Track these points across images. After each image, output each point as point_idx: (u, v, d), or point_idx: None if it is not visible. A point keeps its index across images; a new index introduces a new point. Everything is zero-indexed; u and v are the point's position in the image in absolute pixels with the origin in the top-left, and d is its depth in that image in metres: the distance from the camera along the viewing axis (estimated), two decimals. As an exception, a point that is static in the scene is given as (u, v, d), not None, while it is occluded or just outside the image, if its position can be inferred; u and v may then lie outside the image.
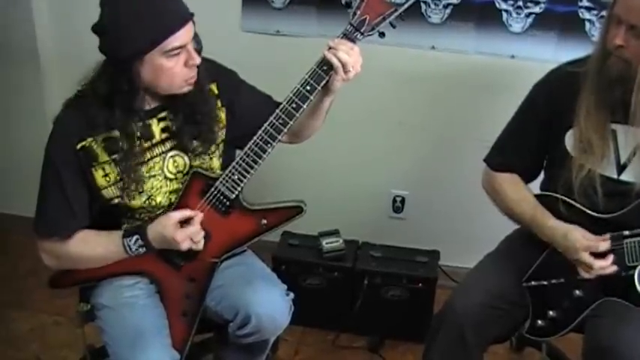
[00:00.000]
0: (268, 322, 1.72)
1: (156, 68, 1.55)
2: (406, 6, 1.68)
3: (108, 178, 1.66)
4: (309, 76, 1.65)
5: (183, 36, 1.54)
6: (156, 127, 1.70)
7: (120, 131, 1.62)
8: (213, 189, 1.71)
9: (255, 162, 1.68)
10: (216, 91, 1.77)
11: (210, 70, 1.71)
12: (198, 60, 1.59)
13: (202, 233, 1.68)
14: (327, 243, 2.55)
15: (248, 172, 1.69)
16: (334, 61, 1.62)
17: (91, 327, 1.83)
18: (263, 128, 1.67)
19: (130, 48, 1.52)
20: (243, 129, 1.76)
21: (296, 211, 1.75)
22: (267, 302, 1.71)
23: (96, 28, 1.54)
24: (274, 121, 1.67)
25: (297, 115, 1.67)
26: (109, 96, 1.58)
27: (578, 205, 1.77)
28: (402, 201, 2.85)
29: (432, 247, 2.69)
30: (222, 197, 1.71)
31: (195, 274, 1.77)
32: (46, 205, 1.67)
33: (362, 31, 1.66)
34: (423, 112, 2.70)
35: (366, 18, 1.66)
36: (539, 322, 1.85)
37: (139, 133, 1.66)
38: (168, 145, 1.72)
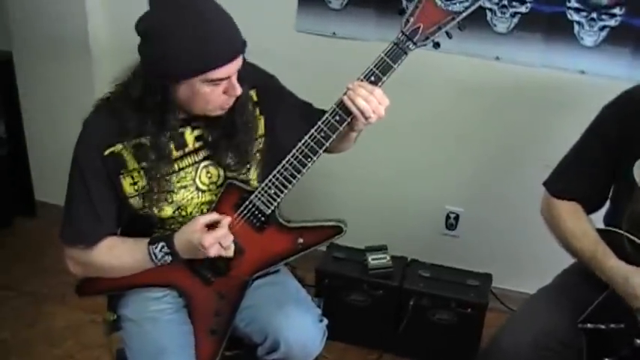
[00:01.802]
0: (298, 350, 1.61)
1: (193, 92, 1.47)
2: (464, 15, 1.54)
3: (136, 187, 1.58)
4: (331, 114, 1.55)
5: (229, 69, 1.45)
6: (189, 136, 1.61)
7: (151, 138, 1.54)
8: (247, 202, 1.61)
9: (294, 176, 1.58)
10: (255, 98, 1.68)
11: (250, 75, 1.61)
12: (239, 91, 1.50)
13: (231, 237, 1.58)
14: (373, 259, 2.43)
15: (285, 187, 1.58)
16: (353, 109, 1.51)
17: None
18: (304, 140, 1.56)
19: (171, 68, 1.43)
20: (282, 139, 1.66)
21: (335, 231, 1.63)
22: (298, 329, 1.60)
23: (139, 29, 1.46)
24: (315, 133, 1.56)
25: (334, 136, 1.56)
26: (141, 101, 1.50)
27: None
28: (456, 218, 2.70)
29: (484, 267, 2.54)
30: (257, 212, 1.61)
31: (225, 290, 1.67)
32: (71, 211, 1.60)
33: (415, 40, 1.53)
34: (482, 125, 2.54)
35: (419, 26, 1.53)
36: (597, 368, 1.69)
37: (171, 142, 1.57)
38: (201, 154, 1.63)
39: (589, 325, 1.69)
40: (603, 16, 2.22)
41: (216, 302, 1.68)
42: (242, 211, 1.62)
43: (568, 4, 2.23)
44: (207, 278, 1.66)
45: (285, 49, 2.52)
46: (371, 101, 1.51)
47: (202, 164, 1.63)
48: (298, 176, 1.58)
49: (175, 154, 1.59)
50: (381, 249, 2.48)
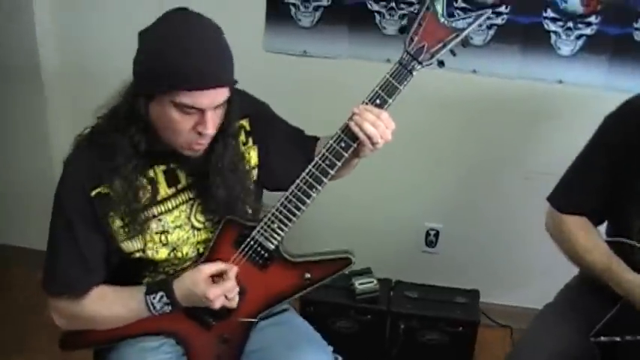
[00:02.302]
0: None
1: (163, 113, 1.34)
2: (468, 30, 1.48)
3: (126, 229, 1.45)
4: (335, 141, 1.46)
5: (203, 97, 1.30)
6: (180, 171, 1.50)
7: (139, 175, 1.42)
8: (249, 239, 1.50)
9: (298, 208, 1.48)
10: (248, 128, 1.57)
11: (241, 104, 1.49)
12: (209, 131, 1.35)
13: (237, 289, 1.48)
14: (360, 284, 2.34)
15: (290, 220, 1.48)
16: (360, 135, 1.42)
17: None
18: (308, 170, 1.46)
19: (147, 79, 1.33)
20: (276, 169, 1.59)
21: (344, 263, 1.54)
22: None
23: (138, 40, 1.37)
24: (320, 162, 1.46)
25: (339, 164, 1.47)
26: (125, 126, 1.38)
27: None
28: (436, 234, 2.64)
29: (466, 282, 2.49)
30: (259, 248, 1.50)
31: (228, 334, 1.56)
32: (57, 259, 1.46)
33: (420, 60, 1.46)
34: (460, 139, 2.50)
35: (424, 45, 1.46)
36: (613, 382, 1.65)
37: (161, 177, 1.46)
38: (195, 191, 1.51)
39: (602, 339, 1.65)
40: (579, 25, 2.20)
41: (218, 347, 1.57)
42: (243, 249, 1.51)
43: (544, 15, 2.21)
44: (207, 323, 1.54)
45: (252, 70, 2.40)
46: (378, 126, 1.43)
47: (197, 201, 1.51)
48: (303, 208, 1.48)
49: (168, 191, 1.48)
50: (366, 272, 2.40)
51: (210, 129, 1.35)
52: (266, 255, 1.51)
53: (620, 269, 1.60)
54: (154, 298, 1.46)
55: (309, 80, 2.42)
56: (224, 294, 1.44)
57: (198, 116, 1.33)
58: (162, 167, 1.47)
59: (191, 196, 1.51)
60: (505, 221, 2.59)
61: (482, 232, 2.62)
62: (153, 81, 1.31)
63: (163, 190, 1.47)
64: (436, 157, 2.54)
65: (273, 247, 1.50)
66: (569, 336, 1.68)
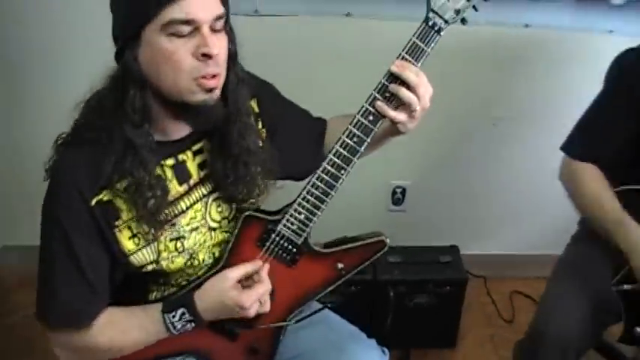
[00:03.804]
0: None
1: (154, 51, 1.11)
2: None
3: (136, 241, 1.23)
4: (362, 115, 1.29)
5: (192, 7, 1.08)
6: (191, 164, 1.29)
7: (144, 172, 1.19)
8: (274, 235, 1.33)
9: (327, 194, 1.32)
10: (256, 109, 1.39)
11: (248, 82, 1.30)
12: (213, 50, 1.11)
13: (269, 289, 1.31)
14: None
15: (318, 209, 1.32)
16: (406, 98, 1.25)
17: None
18: (334, 150, 1.29)
19: (124, 18, 1.12)
20: (286, 155, 1.41)
21: (379, 246, 1.40)
22: None
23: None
24: (348, 140, 1.30)
25: (368, 139, 1.30)
26: (117, 108, 1.15)
27: None
28: (403, 192, 2.55)
29: (436, 238, 2.44)
30: (286, 244, 1.34)
31: (257, 343, 1.40)
32: (56, 286, 1.22)
33: (446, 17, 1.32)
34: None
35: (447, 2, 1.31)
36: (638, 329, 1.63)
37: (171, 174, 1.25)
38: (209, 185, 1.32)
39: (625, 287, 1.63)
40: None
41: (247, 359, 1.40)
42: (269, 247, 1.34)
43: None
44: (233, 333, 1.38)
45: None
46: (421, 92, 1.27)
47: (212, 197, 1.32)
48: (332, 193, 1.32)
49: (179, 189, 1.27)
50: (343, 242, 2.27)
51: (214, 47, 1.11)
52: (294, 250, 1.35)
53: (633, 224, 1.57)
54: (173, 316, 1.26)
55: (263, 44, 2.21)
56: (259, 299, 1.28)
57: (195, 38, 1.11)
58: (170, 162, 1.25)
59: (204, 192, 1.31)
60: (472, 172, 2.54)
61: (449, 186, 2.56)
62: (136, 16, 1.09)
63: (174, 188, 1.26)
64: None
65: (301, 240, 1.34)
66: (592, 290, 1.64)
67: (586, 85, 2.32)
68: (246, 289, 1.28)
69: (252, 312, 1.27)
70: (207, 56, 1.12)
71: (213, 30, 1.13)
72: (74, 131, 1.21)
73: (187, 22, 1.09)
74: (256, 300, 1.27)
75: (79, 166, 1.17)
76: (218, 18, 1.13)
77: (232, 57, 1.22)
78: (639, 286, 1.61)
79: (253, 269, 1.30)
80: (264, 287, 1.28)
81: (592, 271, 1.68)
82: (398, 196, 2.56)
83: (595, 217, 1.66)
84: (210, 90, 1.16)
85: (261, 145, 1.36)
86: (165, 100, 1.17)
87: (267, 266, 1.31)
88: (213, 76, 1.15)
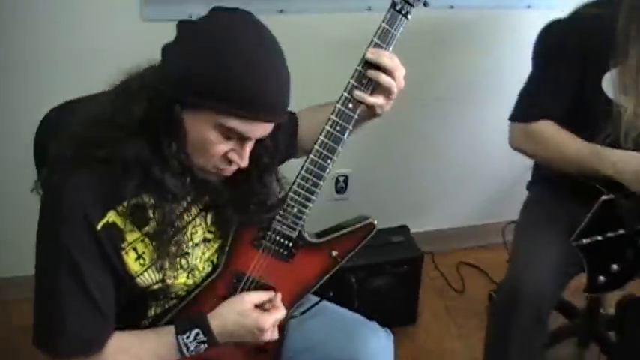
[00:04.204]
0: None
1: (198, 130, 1.12)
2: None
3: (142, 261, 1.21)
4: (342, 104, 1.33)
5: (255, 129, 1.13)
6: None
7: (154, 193, 1.17)
8: (269, 233, 1.34)
9: (316, 185, 1.35)
10: None
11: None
12: (243, 164, 1.18)
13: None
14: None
15: (309, 200, 1.35)
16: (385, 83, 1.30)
17: None
18: (320, 141, 1.32)
19: (193, 85, 1.08)
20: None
21: (369, 229, 1.44)
22: (381, 350, 1.43)
23: (184, 29, 1.14)
24: (331, 130, 1.33)
25: (350, 127, 1.34)
26: (142, 125, 1.12)
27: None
28: (346, 180, 2.60)
29: (382, 221, 2.43)
30: (282, 239, 1.35)
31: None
32: (64, 315, 1.17)
33: (410, 1, 1.36)
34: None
35: (409, -14, 1.36)
36: (601, 277, 1.74)
37: (171, 193, 1.22)
38: (205, 198, 1.30)
39: (584, 241, 1.74)
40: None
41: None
42: (265, 245, 1.34)
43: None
44: (241, 335, 1.37)
45: (131, 43, 2.12)
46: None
47: (209, 211, 1.31)
48: (321, 183, 1.36)
49: (179, 207, 1.25)
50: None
51: (245, 162, 1.18)
52: (290, 244, 1.36)
53: (607, 149, 1.64)
54: (187, 337, 1.25)
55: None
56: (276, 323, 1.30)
57: (236, 144, 1.15)
58: (171, 180, 1.20)
59: (201, 207, 1.30)
60: (409, 154, 2.62)
61: (389, 170, 2.63)
62: (211, 95, 1.08)
63: (175, 207, 1.23)
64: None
65: (296, 233, 1.36)
66: (556, 246, 1.74)
67: (512, 60, 2.47)
68: (265, 313, 1.29)
69: (267, 336, 1.28)
70: (234, 163, 1.17)
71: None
72: (78, 146, 1.14)
73: (242, 137, 1.13)
74: (275, 324, 1.29)
75: (85, 187, 1.13)
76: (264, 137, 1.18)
77: (264, 158, 1.28)
78: (595, 239, 1.73)
79: (268, 297, 1.32)
80: (280, 313, 1.30)
81: (552, 228, 1.77)
82: (341, 185, 2.60)
83: (567, 161, 1.71)
84: (223, 176, 1.21)
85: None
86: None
87: (280, 295, 1.33)
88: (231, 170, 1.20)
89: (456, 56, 2.44)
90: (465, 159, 2.68)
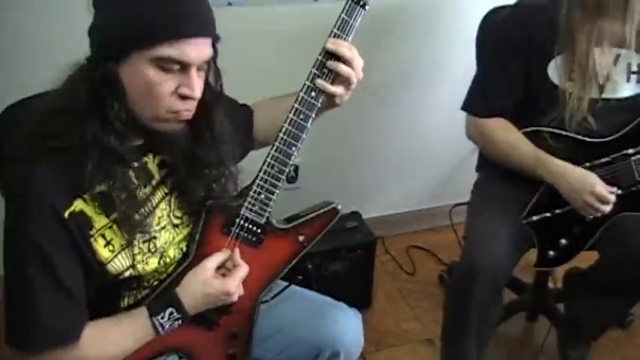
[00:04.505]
0: (356, 350, 1.50)
1: (138, 76, 1.12)
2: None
3: (112, 247, 1.22)
4: (305, 92, 1.36)
5: (188, 49, 1.12)
6: (152, 165, 1.30)
7: (114, 178, 1.18)
8: (239, 219, 1.36)
9: (282, 171, 1.38)
10: None
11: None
12: (196, 93, 1.16)
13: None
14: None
15: (276, 187, 1.38)
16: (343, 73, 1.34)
17: None
18: (284, 129, 1.35)
19: (115, 36, 1.11)
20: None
21: (333, 213, 1.48)
22: (350, 330, 1.48)
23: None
24: (295, 117, 1.36)
25: (313, 115, 1.38)
26: (92, 115, 1.13)
27: (571, 135, 1.76)
28: (296, 169, 2.63)
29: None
30: (251, 226, 1.38)
31: (236, 326, 1.42)
32: (39, 308, 1.17)
33: (365, -8, 1.40)
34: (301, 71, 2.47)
35: (364, -24, 1.40)
36: (551, 252, 1.84)
37: (135, 178, 1.24)
38: (169, 183, 1.32)
39: (534, 218, 1.83)
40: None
41: (228, 345, 1.42)
42: (235, 231, 1.37)
43: None
44: (212, 321, 1.39)
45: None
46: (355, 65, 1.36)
47: (174, 195, 1.33)
48: (286, 170, 1.39)
49: (145, 190, 1.27)
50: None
51: (197, 91, 1.17)
52: (259, 230, 1.39)
53: (548, 157, 1.76)
54: (162, 317, 1.27)
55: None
56: (240, 281, 1.32)
57: (180, 76, 1.14)
58: (135, 165, 1.25)
59: (166, 190, 1.32)
60: (357, 141, 2.67)
61: (339, 157, 2.68)
62: (129, 37, 1.10)
63: (141, 190, 1.26)
64: (283, 91, 2.49)
65: (264, 220, 1.39)
66: (508, 224, 1.82)
67: (454, 46, 2.55)
68: (227, 277, 1.31)
69: (235, 297, 1.31)
70: (187, 97, 1.16)
71: (198, 69, 1.16)
72: (34, 141, 1.14)
73: (179, 62, 1.12)
74: (239, 284, 1.31)
75: (49, 179, 1.13)
76: (207, 61, 1.17)
77: (216, 94, 1.27)
78: (544, 216, 1.82)
79: (226, 256, 1.33)
80: (243, 270, 1.32)
81: (504, 207, 1.86)
82: (291, 175, 2.63)
83: (514, 162, 1.83)
84: (181, 121, 1.20)
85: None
86: (133, 117, 1.17)
87: (237, 251, 1.35)
88: (187, 110, 1.19)
89: (401, 44, 2.50)
90: (411, 145, 2.75)
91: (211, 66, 1.22)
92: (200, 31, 1.14)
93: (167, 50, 1.10)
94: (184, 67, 1.14)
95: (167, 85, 1.14)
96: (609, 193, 1.70)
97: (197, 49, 1.13)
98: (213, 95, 1.26)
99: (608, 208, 1.71)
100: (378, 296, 2.55)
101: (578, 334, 2.18)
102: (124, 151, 1.18)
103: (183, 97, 1.16)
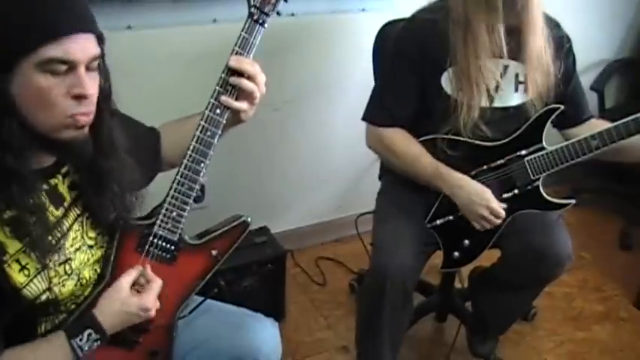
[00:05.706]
0: (276, 359, 1.54)
1: (28, 86, 1.11)
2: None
3: (27, 272, 1.21)
4: (210, 110, 1.41)
5: (72, 47, 1.11)
6: (62, 187, 1.30)
7: (23, 202, 1.17)
8: (152, 238, 1.39)
9: (192, 188, 1.45)
10: None
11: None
12: (87, 90, 1.15)
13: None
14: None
15: (186, 204, 1.43)
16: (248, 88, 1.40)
17: None
18: (192, 147, 1.41)
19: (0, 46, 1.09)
20: None
21: (243, 227, 1.54)
22: (268, 339, 1.52)
23: None
24: (202, 135, 1.41)
25: (219, 132, 1.43)
26: None
27: (466, 139, 1.86)
28: (202, 189, 2.63)
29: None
30: (164, 243, 1.41)
31: (156, 344, 1.43)
32: None
33: (266, 10, 1.46)
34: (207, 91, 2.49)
35: (263, -3, 1.46)
36: (456, 253, 1.94)
37: (47, 201, 1.24)
38: (80, 204, 1.33)
39: (438, 222, 1.93)
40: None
41: (149, 364, 1.43)
42: (148, 250, 1.39)
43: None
44: (133, 341, 1.40)
45: None
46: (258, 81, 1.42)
47: (85, 215, 1.33)
48: (196, 187, 1.45)
49: (57, 213, 1.27)
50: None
51: (89, 88, 1.15)
52: (172, 247, 1.42)
53: (447, 170, 1.86)
54: (80, 339, 1.26)
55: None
56: (156, 295, 1.34)
57: (71, 77, 1.13)
58: (45, 187, 1.25)
59: (78, 212, 1.32)
60: (262, 157, 2.72)
61: (244, 175, 2.72)
62: (10, 45, 1.08)
63: (52, 213, 1.26)
64: (188, 113, 2.50)
65: (177, 236, 1.42)
66: (413, 229, 1.91)
67: (352, 60, 2.64)
68: (143, 293, 1.32)
69: (154, 312, 1.33)
70: (81, 97, 1.15)
71: (88, 69, 1.15)
72: None
73: (65, 61, 1.11)
74: (155, 298, 1.33)
75: None
76: (94, 58, 1.16)
77: (106, 95, 1.26)
78: (447, 219, 1.92)
79: (138, 273, 1.34)
80: (157, 283, 1.34)
81: (408, 213, 1.94)
82: (198, 194, 2.63)
83: (414, 173, 1.91)
84: (82, 127, 1.19)
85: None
86: (32, 131, 1.15)
87: (148, 266, 1.36)
88: (84, 114, 1.18)
89: (300, 61, 2.58)
90: (315, 158, 2.83)
91: (101, 66, 1.22)
92: (79, 27, 1.13)
93: (50, 51, 1.09)
94: (72, 66, 1.13)
95: (58, 89, 1.12)
96: (501, 208, 1.82)
97: (80, 46, 1.12)
98: (102, 95, 1.25)
99: (499, 222, 1.83)
100: (291, 308, 2.59)
101: (485, 330, 2.29)
102: (26, 172, 1.16)
103: (77, 98, 1.15)
